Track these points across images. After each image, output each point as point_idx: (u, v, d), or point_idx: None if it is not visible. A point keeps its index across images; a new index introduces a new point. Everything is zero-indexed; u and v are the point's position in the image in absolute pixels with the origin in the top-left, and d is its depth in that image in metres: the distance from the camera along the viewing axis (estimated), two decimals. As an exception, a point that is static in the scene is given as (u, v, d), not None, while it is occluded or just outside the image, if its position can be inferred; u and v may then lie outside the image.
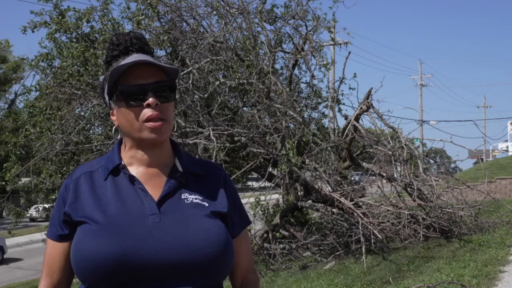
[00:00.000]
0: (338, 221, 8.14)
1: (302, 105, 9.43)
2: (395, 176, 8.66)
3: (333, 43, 10.59)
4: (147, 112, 1.20)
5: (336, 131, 9.17)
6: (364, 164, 9.20)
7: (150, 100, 1.19)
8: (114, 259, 1.11)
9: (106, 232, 1.14)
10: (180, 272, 1.14)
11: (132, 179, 1.24)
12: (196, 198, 1.25)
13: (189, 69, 7.26)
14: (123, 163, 1.27)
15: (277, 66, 9.64)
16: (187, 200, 1.24)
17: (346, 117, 9.02)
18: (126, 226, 1.16)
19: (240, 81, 7.75)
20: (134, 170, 1.26)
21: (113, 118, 1.28)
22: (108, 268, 1.11)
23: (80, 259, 1.15)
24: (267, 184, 8.15)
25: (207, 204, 1.25)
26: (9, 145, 9.28)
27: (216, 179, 1.32)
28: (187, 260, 1.14)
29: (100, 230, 1.15)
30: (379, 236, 7.05)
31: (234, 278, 1.36)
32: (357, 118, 8.43)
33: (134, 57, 1.22)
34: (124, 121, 1.23)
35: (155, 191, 1.23)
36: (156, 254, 1.13)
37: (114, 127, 1.30)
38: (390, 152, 8.21)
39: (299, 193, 8.82)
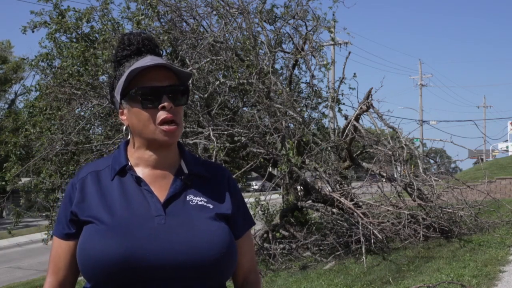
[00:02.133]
0: (338, 221, 8.13)
1: (302, 105, 9.42)
2: (395, 176, 8.66)
3: (333, 43, 10.58)
4: (161, 115, 1.22)
5: (336, 131, 9.17)
6: (364, 164, 9.20)
7: (166, 103, 1.21)
8: (119, 260, 1.12)
9: (112, 233, 1.16)
10: (184, 273, 1.15)
11: (138, 180, 1.25)
12: (201, 200, 1.26)
13: (189, 69, 7.25)
14: (129, 164, 1.28)
15: (277, 66, 9.65)
16: (192, 202, 1.25)
17: (346, 117, 9.01)
18: (132, 227, 1.17)
19: (240, 81, 7.74)
20: (141, 171, 1.28)
21: (123, 117, 1.29)
22: (113, 268, 1.12)
23: (86, 258, 1.17)
24: (267, 184, 8.15)
25: (211, 206, 1.26)
26: (9, 145, 9.27)
27: (220, 181, 1.34)
28: (192, 262, 1.15)
29: (106, 230, 1.17)
30: (379, 236, 7.05)
31: (236, 278, 1.38)
32: (357, 118, 8.43)
33: (149, 59, 1.24)
34: (137, 122, 1.24)
35: (161, 193, 1.25)
36: (161, 256, 1.14)
37: (125, 126, 1.31)
38: (390, 152, 8.21)
39: (299, 193, 8.81)
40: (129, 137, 1.33)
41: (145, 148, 1.27)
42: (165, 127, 1.21)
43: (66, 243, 1.26)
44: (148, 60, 1.23)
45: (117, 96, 1.27)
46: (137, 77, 1.22)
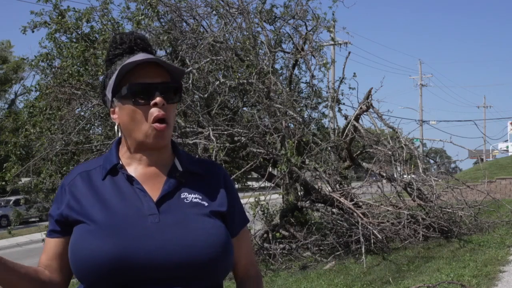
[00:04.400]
0: (338, 221, 8.13)
1: (302, 105, 9.42)
2: (395, 176, 8.66)
3: (333, 43, 10.60)
4: (154, 112, 1.19)
5: (336, 131, 9.17)
6: (364, 164, 9.20)
7: (158, 99, 1.19)
8: (112, 260, 1.10)
9: (104, 233, 1.14)
10: (179, 272, 1.13)
11: (130, 179, 1.23)
12: (195, 198, 1.24)
13: (189, 69, 7.25)
14: (121, 163, 1.26)
15: (277, 66, 9.64)
16: (187, 200, 1.23)
17: (346, 117, 9.02)
18: (124, 227, 1.15)
19: (240, 81, 7.74)
20: (133, 170, 1.25)
21: (114, 116, 1.27)
22: (106, 268, 1.10)
23: (77, 259, 1.15)
24: (267, 184, 8.14)
25: (206, 204, 1.24)
26: (9, 145, 9.29)
27: (216, 178, 1.32)
28: (186, 260, 1.13)
29: (98, 230, 1.14)
30: (379, 236, 7.05)
31: (236, 273, 1.38)
32: (357, 118, 8.44)
33: (142, 56, 1.22)
34: (128, 120, 1.22)
35: (154, 191, 1.22)
36: (155, 255, 1.12)
37: (116, 125, 1.28)
38: (390, 152, 8.21)
39: (299, 193, 8.81)
40: (120, 135, 1.30)
41: (135, 148, 1.25)
42: (156, 125, 1.19)
43: (52, 240, 1.25)
44: (140, 57, 1.21)
45: (108, 95, 1.26)
46: (129, 74, 1.21)
